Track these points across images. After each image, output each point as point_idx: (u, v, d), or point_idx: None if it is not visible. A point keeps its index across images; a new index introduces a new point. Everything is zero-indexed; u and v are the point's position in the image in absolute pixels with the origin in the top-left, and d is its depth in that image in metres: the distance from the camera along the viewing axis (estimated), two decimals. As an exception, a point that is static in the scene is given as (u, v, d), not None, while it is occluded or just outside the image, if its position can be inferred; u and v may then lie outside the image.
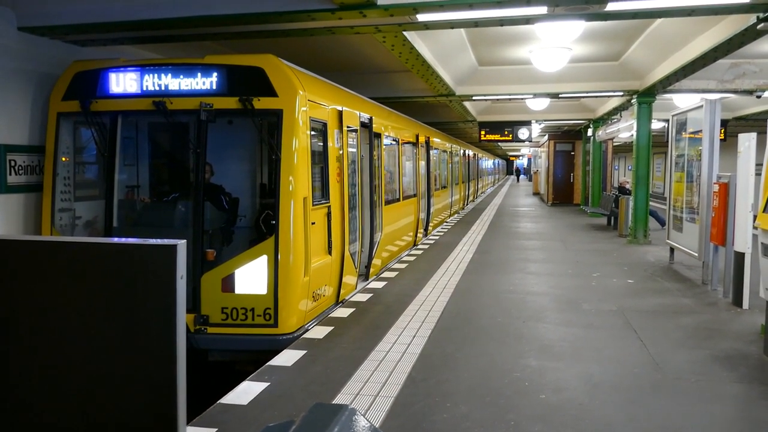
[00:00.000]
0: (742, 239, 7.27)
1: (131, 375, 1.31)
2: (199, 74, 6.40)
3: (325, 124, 7.09)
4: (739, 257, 7.35)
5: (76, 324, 1.31)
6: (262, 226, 6.47)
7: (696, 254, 9.15)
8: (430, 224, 15.71)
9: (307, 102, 6.48)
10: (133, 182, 7.37)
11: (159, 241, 1.26)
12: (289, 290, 6.14)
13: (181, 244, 1.25)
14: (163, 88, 6.45)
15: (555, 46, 11.20)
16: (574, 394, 4.72)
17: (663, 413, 4.39)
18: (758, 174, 6.13)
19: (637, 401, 4.61)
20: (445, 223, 18.22)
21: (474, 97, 14.96)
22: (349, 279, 8.07)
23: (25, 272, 1.31)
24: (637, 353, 5.73)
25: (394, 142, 11.63)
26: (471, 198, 29.97)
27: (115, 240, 1.32)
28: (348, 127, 7.97)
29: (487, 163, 47.45)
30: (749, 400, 4.72)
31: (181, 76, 6.43)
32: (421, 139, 14.58)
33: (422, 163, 14.64)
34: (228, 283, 6.16)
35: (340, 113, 7.74)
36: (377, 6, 6.20)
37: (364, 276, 8.94)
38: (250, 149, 7.33)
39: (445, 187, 19.18)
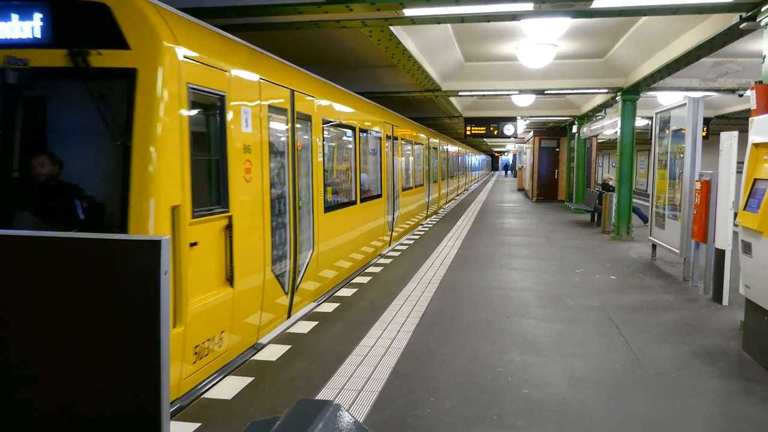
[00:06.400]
0: (723, 236, 7.36)
1: (114, 370, 1.30)
2: (8, 14, 4.40)
3: (222, 98, 5.08)
4: (720, 254, 7.45)
5: (56, 319, 1.30)
6: None
7: (678, 251, 9.26)
8: (396, 230, 13.30)
9: (185, 60, 4.54)
10: None
11: (143, 237, 1.25)
12: None
13: (165, 240, 1.24)
14: None
15: (541, 42, 11.25)
16: (557, 389, 4.76)
17: (644, 408, 4.45)
18: (740, 172, 6.20)
19: (618, 396, 4.66)
20: (430, 219, 18.04)
21: (460, 93, 15.00)
22: (273, 310, 6.26)
23: (2, 267, 1.30)
24: (619, 349, 5.79)
25: (347, 131, 9.59)
26: (455, 194, 29.21)
27: (98, 235, 1.30)
28: (271, 104, 6.04)
29: (472, 159, 47.16)
30: (728, 395, 4.79)
31: None
32: (388, 129, 12.35)
33: (388, 159, 12.39)
34: None
35: (256, 84, 5.79)
36: (364, 0, 6.19)
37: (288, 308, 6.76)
38: (93, 131, 4.58)
39: (420, 185, 17.09)
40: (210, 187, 5.08)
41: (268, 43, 7.63)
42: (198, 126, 4.83)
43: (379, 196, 11.49)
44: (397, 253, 11.31)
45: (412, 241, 13.00)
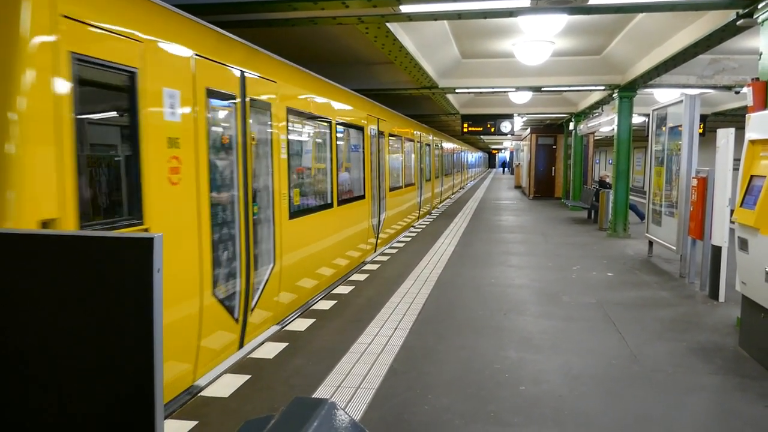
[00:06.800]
0: (720, 233, 7.37)
1: (107, 368, 1.29)
2: None
3: (132, 75, 3.96)
4: (716, 251, 7.46)
5: (48, 316, 1.29)
6: None
7: (674, 248, 9.28)
8: (383, 234, 12.17)
9: (66, 20, 3.42)
10: None
11: (135, 234, 1.24)
12: None
13: (158, 237, 1.23)
14: None
15: (538, 39, 11.24)
16: (554, 386, 4.76)
17: (640, 404, 4.45)
18: (736, 169, 6.21)
19: (615, 393, 4.67)
20: (423, 220, 17.61)
21: (457, 90, 14.99)
22: (216, 342, 5.15)
23: (-3, 265, 1.29)
24: (615, 345, 5.80)
25: (321, 124, 8.35)
26: (450, 193, 28.30)
27: (90, 232, 1.29)
28: (211, 87, 4.97)
29: (469, 156, 46.53)
30: (724, 391, 4.80)
31: None
32: (373, 123, 11.18)
33: (373, 156, 11.28)
34: None
35: (187, 60, 4.65)
36: (360, -4, 6.18)
37: (239, 339, 5.59)
38: None
39: (411, 184, 16.02)
40: (111, 192, 4.02)
41: (264, 41, 7.62)
42: (92, 111, 3.75)
43: (362, 197, 10.39)
44: (394, 251, 11.31)
45: (409, 239, 13.00)
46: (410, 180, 15.95)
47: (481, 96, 19.89)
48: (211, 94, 5.00)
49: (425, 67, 12.14)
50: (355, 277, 8.84)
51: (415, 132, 16.97)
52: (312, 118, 7.86)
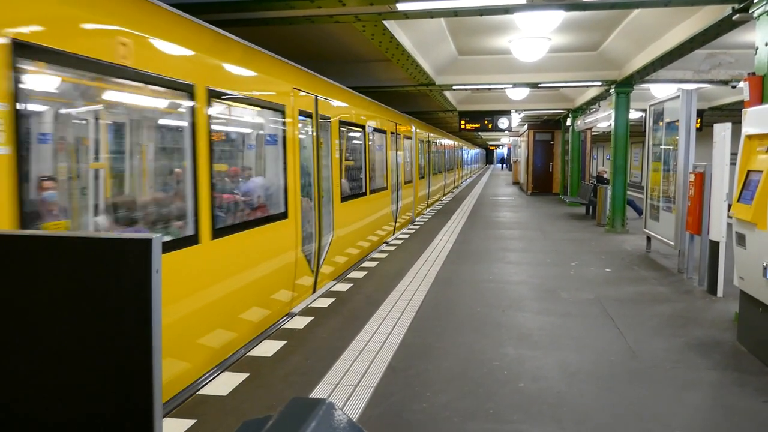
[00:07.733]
0: (717, 228, 7.38)
1: (105, 368, 1.29)
2: None
3: None
4: (714, 246, 7.47)
5: (46, 318, 1.29)
6: None
7: (672, 243, 9.29)
8: (329, 263, 8.51)
9: None
10: None
11: (133, 235, 1.24)
12: None
13: (157, 238, 1.23)
14: None
15: (534, 36, 11.24)
16: (552, 383, 4.77)
17: (639, 400, 4.46)
18: (733, 163, 6.22)
19: (614, 389, 4.67)
20: (406, 229, 14.16)
21: (454, 87, 14.99)
22: None
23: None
24: (614, 341, 5.81)
25: (169, 94, 4.74)
26: (440, 195, 24.72)
27: (88, 233, 1.30)
28: None
29: (464, 152, 43.92)
30: (723, 386, 4.81)
31: None
32: (304, 103, 7.32)
33: (306, 153, 7.54)
34: None
35: None
36: (356, -6, 6.17)
37: None
38: None
39: (382, 189, 12.38)
40: None
41: (263, 39, 7.61)
42: None
43: (283, 216, 6.70)
44: (392, 248, 11.31)
45: (407, 236, 13.00)
46: (381, 183, 12.36)
47: (478, 92, 19.89)
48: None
49: (422, 64, 12.14)
50: (354, 274, 8.84)
51: (388, 121, 13.06)
52: (132, 78, 4.07)
